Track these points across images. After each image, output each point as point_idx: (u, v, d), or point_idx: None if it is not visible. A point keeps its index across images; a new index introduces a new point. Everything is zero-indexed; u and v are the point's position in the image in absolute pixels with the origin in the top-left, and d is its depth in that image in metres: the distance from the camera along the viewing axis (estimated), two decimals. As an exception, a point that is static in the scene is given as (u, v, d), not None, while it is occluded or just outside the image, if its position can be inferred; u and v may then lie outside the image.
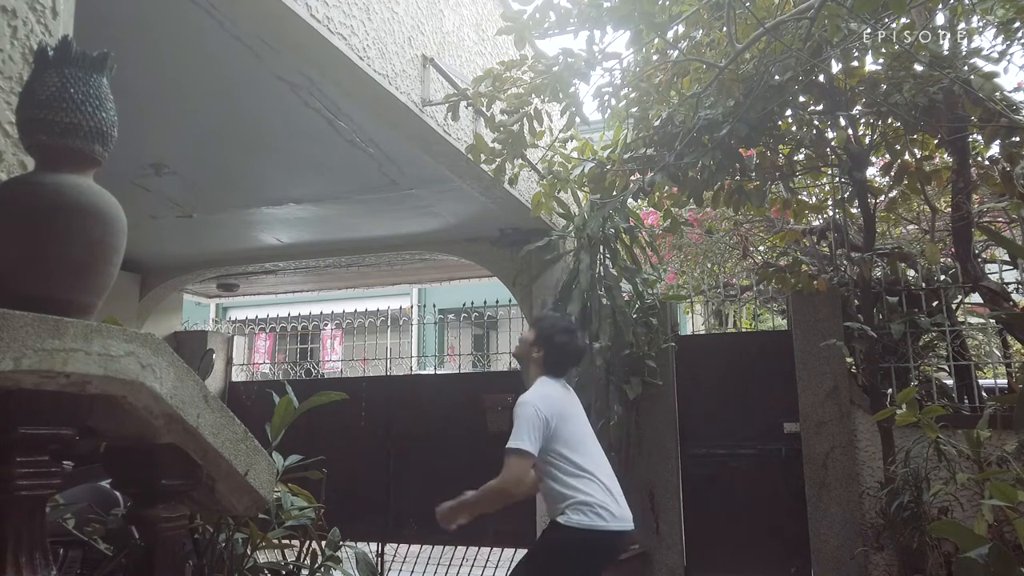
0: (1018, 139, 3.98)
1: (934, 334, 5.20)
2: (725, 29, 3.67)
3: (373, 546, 6.17)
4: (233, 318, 8.88)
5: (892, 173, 4.74)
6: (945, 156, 5.10)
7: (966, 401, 5.12)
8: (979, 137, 4.57)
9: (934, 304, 5.18)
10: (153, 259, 7.06)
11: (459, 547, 6.15)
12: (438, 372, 7.93)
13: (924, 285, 5.20)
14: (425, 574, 6.26)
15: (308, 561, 2.72)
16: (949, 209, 5.04)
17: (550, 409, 2.82)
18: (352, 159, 4.57)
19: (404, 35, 3.72)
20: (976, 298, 5.19)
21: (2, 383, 1.23)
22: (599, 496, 2.73)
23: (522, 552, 6.27)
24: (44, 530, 1.36)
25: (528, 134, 3.92)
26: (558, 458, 2.79)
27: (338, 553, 2.81)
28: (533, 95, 3.86)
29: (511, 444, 2.71)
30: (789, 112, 4.62)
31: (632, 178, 4.73)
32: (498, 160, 4.19)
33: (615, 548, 2.90)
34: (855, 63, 4.39)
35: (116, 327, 1.40)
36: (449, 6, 4.26)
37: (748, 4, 3.76)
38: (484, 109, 3.79)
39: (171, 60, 3.39)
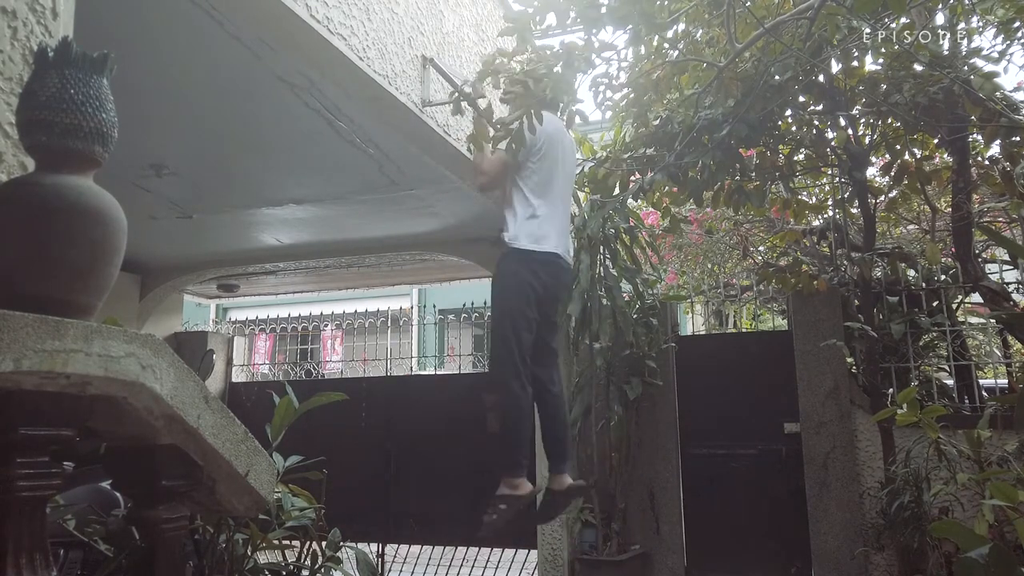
0: (1018, 139, 3.98)
1: (934, 334, 5.20)
2: (724, 28, 3.67)
3: (373, 547, 6.17)
4: (233, 319, 8.88)
5: (892, 173, 4.74)
6: (945, 156, 5.10)
7: (967, 401, 5.12)
8: (979, 137, 4.57)
9: (934, 304, 5.18)
10: (153, 260, 7.05)
11: (459, 548, 6.16)
12: (438, 372, 7.93)
13: (924, 285, 5.20)
14: (425, 574, 6.25)
15: (308, 562, 2.72)
16: (949, 209, 5.04)
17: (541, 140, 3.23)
18: (352, 159, 4.57)
19: (404, 36, 3.72)
20: (976, 298, 5.19)
21: (2, 384, 1.23)
22: (543, 230, 3.18)
23: (522, 552, 6.26)
24: (44, 531, 1.36)
25: (527, 131, 3.91)
26: (524, 190, 3.21)
27: (338, 554, 2.81)
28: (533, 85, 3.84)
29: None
30: (789, 112, 4.62)
31: (632, 178, 4.73)
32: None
33: (550, 268, 3.21)
34: (855, 63, 4.39)
35: (116, 328, 1.40)
36: (449, 7, 4.26)
37: (748, 3, 3.76)
38: (486, 95, 3.78)
39: (171, 60, 3.38)
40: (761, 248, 7.22)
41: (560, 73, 3.36)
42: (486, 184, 3.39)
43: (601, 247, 5.07)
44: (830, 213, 5.75)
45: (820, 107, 4.68)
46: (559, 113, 3.91)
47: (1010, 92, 4.22)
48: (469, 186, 4.89)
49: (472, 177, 3.48)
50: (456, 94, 3.77)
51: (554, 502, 3.25)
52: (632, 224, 5.15)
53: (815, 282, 5.11)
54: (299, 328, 8.65)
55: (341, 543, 2.85)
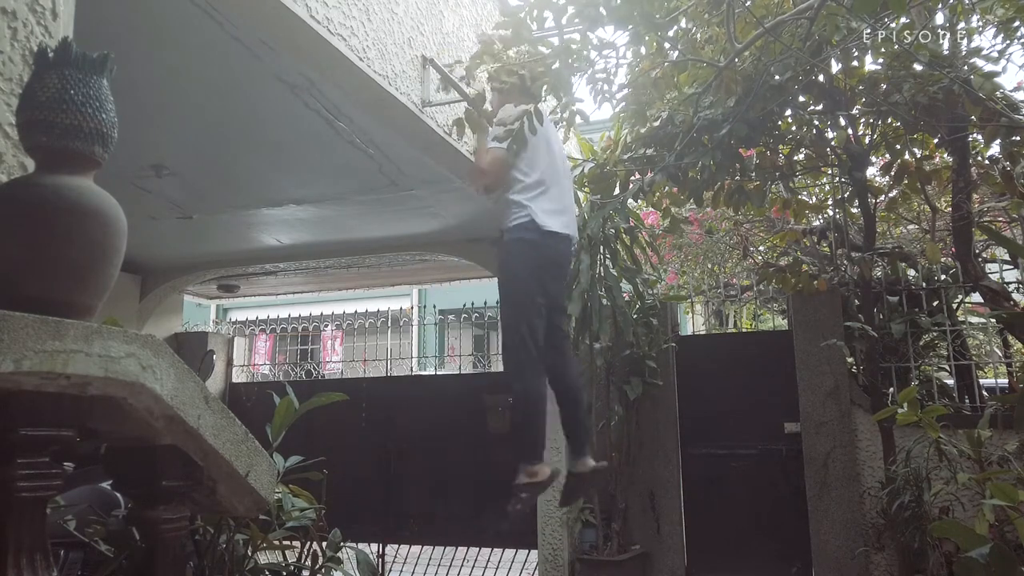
0: (1018, 138, 3.98)
1: (935, 334, 5.20)
2: (724, 28, 3.67)
3: (374, 547, 6.17)
4: (233, 319, 8.88)
5: (892, 173, 4.74)
6: (945, 156, 5.10)
7: (967, 401, 5.12)
8: (979, 137, 4.57)
9: (935, 304, 5.17)
10: (153, 260, 7.06)
11: (459, 548, 6.16)
12: (438, 373, 7.93)
13: (925, 285, 5.20)
14: (426, 574, 6.26)
15: (309, 562, 2.72)
16: (949, 209, 5.03)
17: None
18: (352, 160, 4.57)
19: (404, 36, 3.72)
20: (977, 297, 5.19)
21: (3, 384, 1.23)
22: (546, 206, 3.02)
23: (523, 552, 6.25)
24: (45, 531, 1.36)
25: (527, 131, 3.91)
26: (526, 171, 3.07)
27: (339, 554, 2.81)
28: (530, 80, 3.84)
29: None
30: (789, 112, 4.62)
31: (632, 178, 4.73)
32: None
33: (558, 249, 3.08)
34: (855, 63, 4.39)
35: (116, 328, 1.40)
36: (449, 7, 4.26)
37: (747, 3, 3.76)
38: (476, 81, 3.78)
39: (171, 61, 3.39)
40: (761, 248, 7.22)
41: (558, 70, 3.36)
42: (491, 184, 3.18)
43: (601, 247, 5.07)
44: (830, 213, 5.76)
45: (820, 107, 4.68)
46: (559, 111, 3.89)
47: (1010, 92, 4.22)
48: (469, 186, 4.89)
49: (474, 179, 3.34)
50: (456, 78, 3.75)
51: (578, 485, 3.13)
52: (632, 224, 5.15)
53: (815, 282, 5.11)
54: (299, 328, 8.65)
55: (341, 543, 2.85)
